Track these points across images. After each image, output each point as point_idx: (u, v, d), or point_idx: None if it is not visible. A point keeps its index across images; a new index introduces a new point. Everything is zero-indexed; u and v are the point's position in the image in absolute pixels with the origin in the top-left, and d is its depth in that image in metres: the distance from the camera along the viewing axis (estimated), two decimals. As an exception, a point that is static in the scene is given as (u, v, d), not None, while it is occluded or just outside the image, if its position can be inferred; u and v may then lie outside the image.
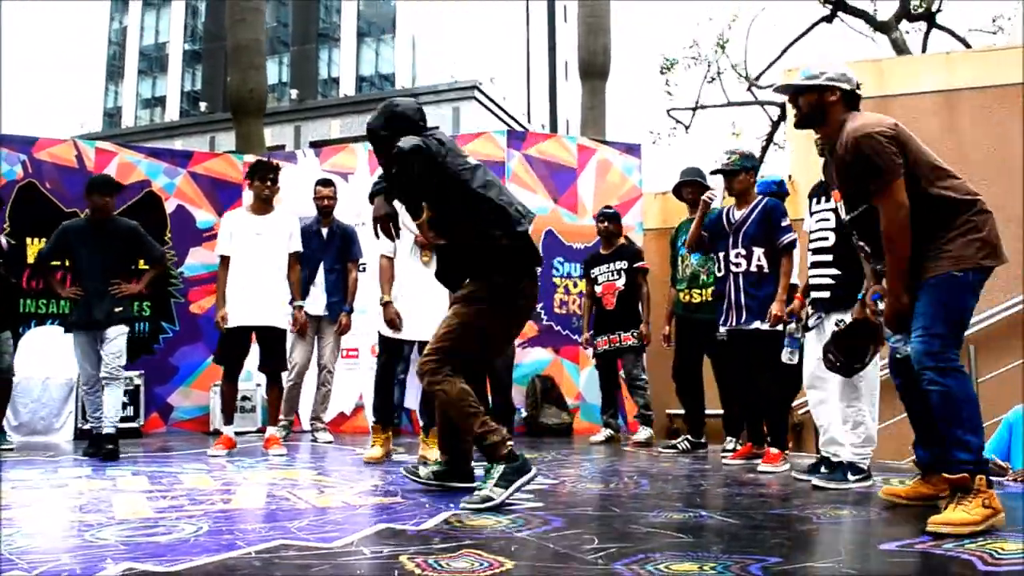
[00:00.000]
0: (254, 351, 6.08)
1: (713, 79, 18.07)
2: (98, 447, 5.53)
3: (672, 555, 2.45)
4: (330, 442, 6.65)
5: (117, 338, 5.66)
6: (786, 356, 4.79)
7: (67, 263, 6.24)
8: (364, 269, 7.17)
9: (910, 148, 3.09)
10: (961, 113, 7.18)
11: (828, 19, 15.67)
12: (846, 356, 3.66)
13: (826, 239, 4.34)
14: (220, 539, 2.77)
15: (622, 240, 7.02)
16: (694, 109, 17.93)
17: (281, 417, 6.62)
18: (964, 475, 2.87)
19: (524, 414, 7.62)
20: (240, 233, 5.86)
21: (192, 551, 2.56)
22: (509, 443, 3.49)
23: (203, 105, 38.36)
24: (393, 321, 5.23)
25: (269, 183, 5.92)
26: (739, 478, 4.53)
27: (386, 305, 5.28)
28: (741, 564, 2.32)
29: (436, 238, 3.87)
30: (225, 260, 5.90)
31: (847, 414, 4.19)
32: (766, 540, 2.71)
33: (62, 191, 7.74)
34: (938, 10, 15.51)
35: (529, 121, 38.36)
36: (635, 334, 6.62)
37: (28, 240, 7.44)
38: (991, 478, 2.91)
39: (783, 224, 5.01)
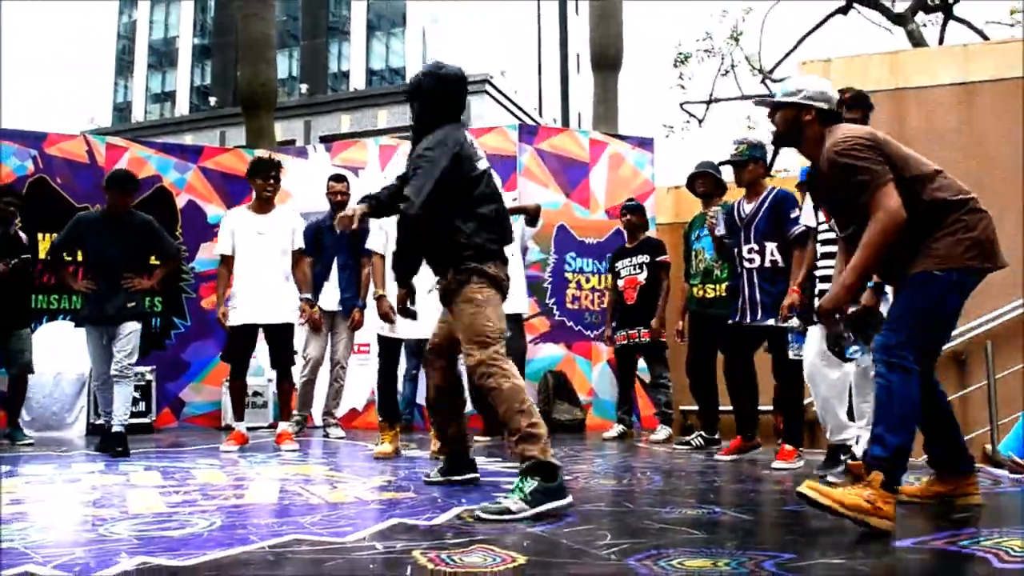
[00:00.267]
0: (264, 347, 6.09)
1: (727, 72, 18.01)
2: (110, 443, 5.52)
3: (685, 551, 2.44)
4: (342, 437, 6.65)
5: (129, 335, 5.65)
6: (793, 352, 4.76)
7: (79, 257, 6.24)
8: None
9: (893, 155, 3.02)
10: (979, 106, 7.12)
11: (843, 11, 15.56)
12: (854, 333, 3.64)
13: (833, 231, 4.30)
14: (233, 534, 2.77)
15: (647, 233, 6.96)
16: (708, 103, 17.87)
17: (295, 412, 6.63)
18: (859, 463, 2.90)
19: (536, 410, 7.61)
20: (241, 232, 5.86)
21: (205, 545, 2.57)
22: (551, 455, 3.29)
23: (213, 100, 38.46)
24: (387, 315, 5.21)
25: (272, 181, 5.91)
26: (754, 474, 4.51)
27: (380, 299, 5.28)
28: (755, 560, 2.31)
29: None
30: (225, 259, 5.91)
31: (862, 410, 4.16)
32: (780, 536, 2.70)
33: (73, 186, 7.76)
34: (955, 1, 15.38)
35: (541, 115, 38.32)
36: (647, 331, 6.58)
37: (39, 236, 7.46)
38: (897, 483, 2.86)
39: (792, 215, 4.89)
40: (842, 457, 4.22)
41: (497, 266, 3.69)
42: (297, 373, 6.61)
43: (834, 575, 2.25)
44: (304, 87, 36.21)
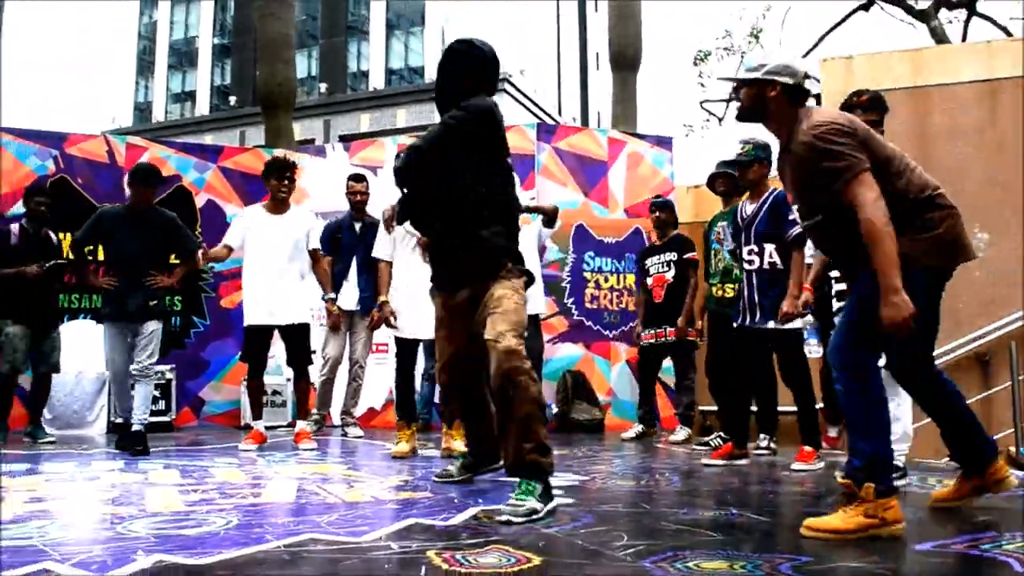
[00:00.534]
0: (282, 345, 6.11)
1: (747, 70, 17.89)
2: (129, 442, 5.56)
3: (702, 553, 2.42)
4: (360, 437, 6.67)
5: (151, 334, 5.65)
6: (812, 352, 4.71)
7: (100, 256, 6.26)
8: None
9: (870, 145, 2.91)
10: (1002, 104, 7.02)
11: (865, 7, 15.45)
12: None
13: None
14: (249, 532, 2.77)
15: (677, 230, 6.92)
16: (728, 101, 17.77)
17: (314, 411, 6.65)
18: (847, 482, 2.82)
19: (555, 410, 7.60)
20: (256, 231, 5.88)
21: (222, 544, 2.57)
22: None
23: (233, 99, 38.65)
24: (388, 320, 5.31)
25: (286, 182, 5.92)
26: (773, 476, 4.48)
27: (383, 305, 5.33)
28: (771, 563, 2.28)
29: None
30: (227, 249, 5.95)
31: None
32: (798, 539, 2.67)
33: (93, 186, 7.82)
34: (978, -2, 15.24)
35: (560, 113, 38.29)
36: (675, 330, 6.53)
37: (60, 235, 7.50)
38: (890, 486, 2.78)
39: (791, 217, 4.81)
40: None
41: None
42: (316, 372, 6.64)
43: (853, 578, 2.22)
44: (324, 86, 36.33)
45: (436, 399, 7.16)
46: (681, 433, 6.44)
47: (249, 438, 5.84)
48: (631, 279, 7.97)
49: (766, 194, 5.06)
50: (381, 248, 5.44)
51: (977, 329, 6.64)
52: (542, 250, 6.62)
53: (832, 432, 5.78)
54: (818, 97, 12.38)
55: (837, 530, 2.69)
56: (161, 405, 7.50)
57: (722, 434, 5.97)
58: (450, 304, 3.74)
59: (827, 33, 15.80)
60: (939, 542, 2.60)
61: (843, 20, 15.68)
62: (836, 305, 4.41)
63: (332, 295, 6.21)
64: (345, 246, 6.77)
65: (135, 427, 5.59)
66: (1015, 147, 6.85)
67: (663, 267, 6.67)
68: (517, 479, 3.23)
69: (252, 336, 5.86)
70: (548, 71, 39.14)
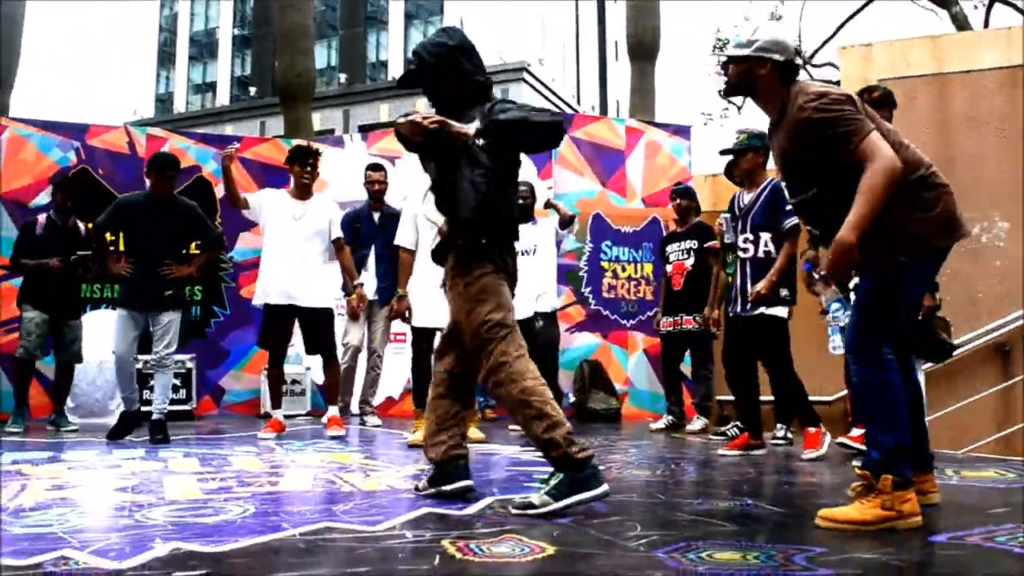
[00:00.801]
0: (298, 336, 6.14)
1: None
2: (119, 429, 5.60)
3: (715, 543, 2.42)
4: (378, 426, 6.69)
5: (168, 323, 5.65)
6: (832, 347, 4.68)
7: (120, 245, 6.29)
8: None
9: (869, 119, 2.85)
10: None
11: (886, -7, 15.32)
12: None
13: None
14: (266, 521, 2.81)
15: (699, 217, 6.86)
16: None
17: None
18: (865, 473, 2.78)
19: (572, 399, 7.60)
20: (279, 215, 5.90)
21: (238, 532, 2.60)
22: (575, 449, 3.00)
23: (252, 90, 38.83)
24: (403, 315, 5.32)
25: (309, 168, 5.94)
26: (788, 467, 4.47)
27: (400, 299, 5.33)
28: (785, 554, 2.29)
29: None
30: (246, 200, 5.95)
31: None
32: (812, 530, 2.66)
33: (114, 177, 7.87)
34: (1001, -17, 15.06)
35: (579, 103, 38.18)
36: (697, 318, 6.47)
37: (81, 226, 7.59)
38: (907, 479, 2.74)
39: (787, 207, 4.76)
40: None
41: None
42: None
43: (866, 570, 2.21)
44: (343, 77, 36.41)
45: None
46: (698, 423, 6.43)
47: (268, 427, 5.89)
48: (648, 268, 7.96)
49: (763, 183, 5.05)
50: (404, 236, 5.45)
51: (996, 319, 6.59)
52: (558, 243, 6.61)
53: (856, 432, 5.66)
54: (837, 84, 12.28)
55: (854, 521, 2.68)
56: (182, 394, 7.57)
57: (739, 424, 5.96)
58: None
59: (847, 21, 15.67)
60: (954, 533, 2.59)
61: (863, 7, 15.53)
62: (853, 297, 4.38)
63: (360, 281, 6.22)
64: (363, 236, 6.79)
65: (155, 416, 5.64)
66: (1037, 134, 6.78)
67: (683, 254, 6.63)
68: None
69: (272, 321, 5.87)
70: (567, 61, 39.02)
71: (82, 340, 6.63)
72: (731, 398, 6.57)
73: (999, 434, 6.41)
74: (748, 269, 5.00)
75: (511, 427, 6.43)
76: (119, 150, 8.04)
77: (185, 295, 6.22)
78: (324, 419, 6.07)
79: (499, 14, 33.79)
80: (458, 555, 2.30)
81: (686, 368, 7.00)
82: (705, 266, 6.50)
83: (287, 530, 2.64)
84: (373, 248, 6.83)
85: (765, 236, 4.97)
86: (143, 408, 5.98)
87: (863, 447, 4.58)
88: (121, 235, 6.36)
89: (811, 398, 5.12)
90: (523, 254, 6.41)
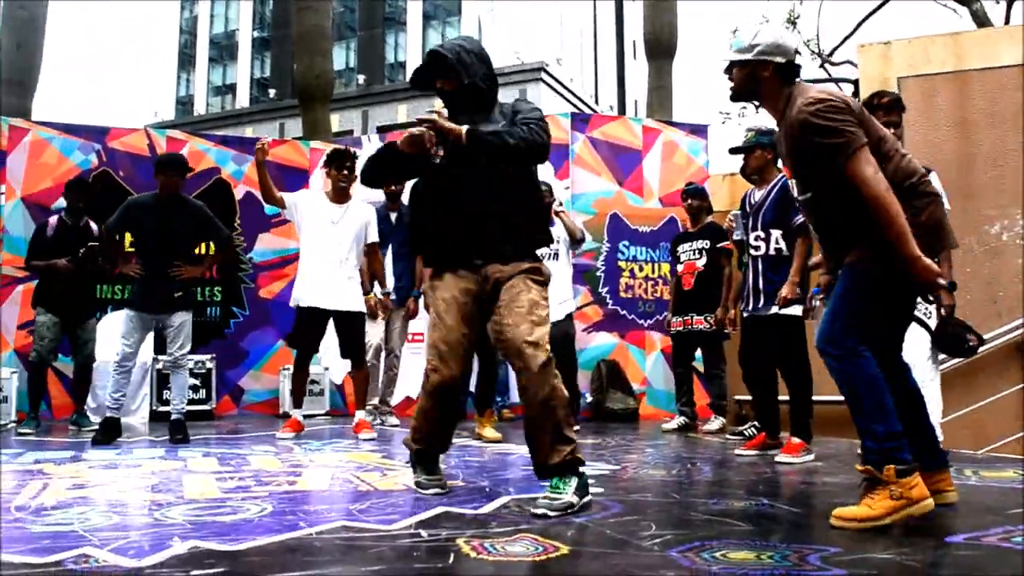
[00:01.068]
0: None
1: (784, 56, 17.69)
2: (107, 432, 5.54)
3: (730, 543, 2.43)
4: (396, 425, 6.72)
5: (180, 325, 5.69)
6: None
7: (132, 246, 6.29)
8: None
9: (865, 124, 2.86)
10: (1044, 88, 6.89)
11: (905, -9, 15.21)
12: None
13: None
14: (283, 519, 2.83)
15: (710, 218, 6.87)
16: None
17: (372, 401, 6.74)
18: (868, 468, 2.78)
19: (589, 399, 7.61)
20: (317, 218, 5.91)
21: (256, 531, 2.62)
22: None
23: (272, 92, 39.00)
24: (415, 314, 5.33)
25: (346, 171, 5.96)
26: (805, 466, 4.44)
27: (417, 299, 5.34)
28: (799, 554, 2.28)
29: None
30: (282, 199, 5.98)
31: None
32: (828, 530, 2.66)
33: (134, 179, 7.94)
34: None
35: (597, 102, 38.12)
36: (708, 318, 6.46)
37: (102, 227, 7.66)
38: (910, 463, 2.74)
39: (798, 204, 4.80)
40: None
41: None
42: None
43: (881, 570, 2.21)
44: (361, 78, 36.51)
45: (471, 388, 7.21)
46: (715, 423, 6.41)
47: (287, 427, 5.92)
48: (666, 268, 7.94)
49: (773, 181, 5.04)
50: None
51: (1017, 318, 6.53)
52: (580, 241, 6.59)
53: None
54: (856, 83, 12.21)
55: (868, 517, 2.68)
56: (202, 394, 7.65)
57: (756, 424, 5.93)
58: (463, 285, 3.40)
59: (866, 18, 15.56)
60: (971, 534, 2.57)
61: (882, 5, 15.43)
62: None
63: (388, 289, 6.26)
64: (381, 236, 6.81)
65: (174, 416, 5.70)
66: (1058, 132, 6.72)
67: (694, 254, 6.61)
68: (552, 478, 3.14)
69: (304, 319, 5.90)
70: (585, 60, 38.96)
71: (96, 341, 6.68)
72: (749, 398, 6.57)
73: (1019, 434, 6.36)
74: (760, 267, 4.99)
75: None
76: (140, 152, 8.12)
77: (195, 296, 6.22)
78: (353, 421, 6.06)
79: (517, 14, 33.80)
80: (473, 554, 2.32)
81: (700, 366, 6.99)
82: (716, 266, 6.47)
83: (304, 529, 2.66)
84: (390, 247, 6.86)
85: (776, 233, 4.95)
86: (162, 408, 6.03)
87: None
88: (130, 236, 6.33)
89: (826, 398, 5.08)
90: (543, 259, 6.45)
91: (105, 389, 7.25)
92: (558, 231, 6.48)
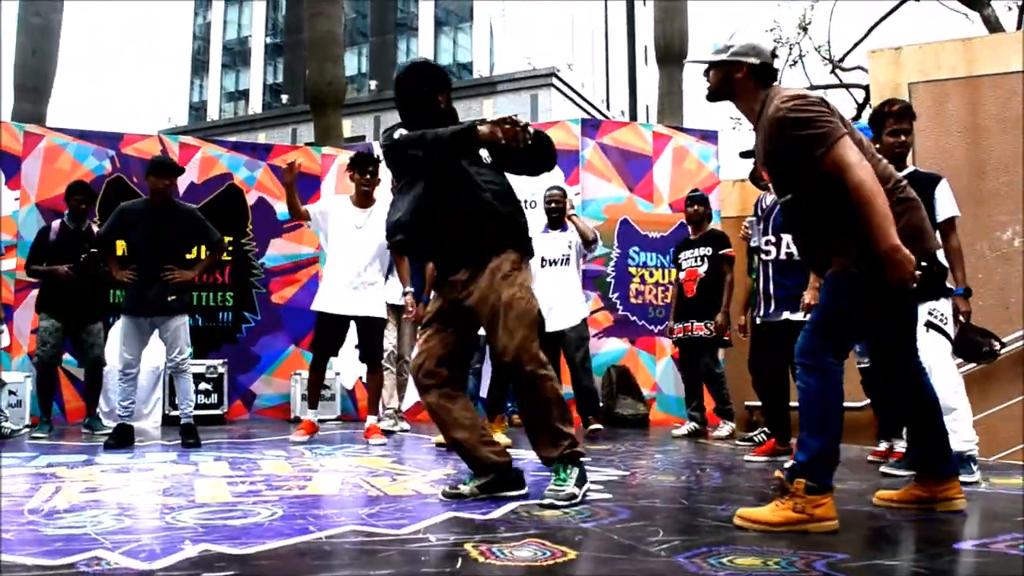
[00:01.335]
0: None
1: (795, 62, 17.68)
2: (120, 438, 5.57)
3: (737, 549, 2.43)
4: (407, 431, 6.74)
5: (177, 329, 5.69)
6: (857, 360, 4.65)
7: (125, 251, 6.26)
8: None
9: (844, 123, 2.86)
10: (1055, 94, 6.86)
11: (916, -4, 15.17)
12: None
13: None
14: (293, 523, 2.85)
15: (712, 225, 6.88)
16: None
17: (389, 406, 6.76)
18: (780, 475, 2.83)
19: (600, 404, 7.60)
20: (342, 224, 5.95)
21: (266, 535, 2.65)
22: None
23: (285, 97, 39.15)
24: (421, 319, 5.37)
25: (368, 176, 5.98)
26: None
27: (426, 304, 5.38)
28: (806, 560, 2.29)
29: None
30: (307, 211, 6.01)
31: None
32: (836, 536, 2.66)
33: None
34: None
35: (608, 108, 38.11)
36: (708, 324, 6.48)
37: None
38: (824, 484, 2.76)
39: None
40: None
41: None
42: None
43: (888, 576, 2.22)
44: (373, 83, 36.62)
45: (482, 393, 7.23)
46: (724, 429, 6.41)
47: (301, 429, 5.93)
48: (676, 274, 7.94)
49: None
50: None
51: (1028, 325, 6.50)
52: (592, 244, 6.58)
53: (882, 445, 5.46)
54: (867, 88, 12.20)
55: (765, 522, 2.74)
56: (213, 398, 7.69)
57: (766, 430, 5.93)
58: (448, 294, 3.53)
59: (877, 24, 15.52)
60: (980, 541, 2.57)
61: (893, 10, 15.39)
62: None
63: (411, 289, 6.27)
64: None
65: (184, 421, 5.74)
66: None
67: (696, 261, 6.62)
68: (555, 467, 3.33)
69: (324, 324, 5.93)
70: (596, 66, 38.97)
71: (103, 345, 6.70)
72: (759, 403, 6.56)
73: (1032, 441, 6.32)
74: (771, 271, 5.00)
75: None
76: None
77: (190, 299, 6.22)
78: (364, 426, 6.08)
79: (528, 20, 33.84)
80: (480, 559, 2.33)
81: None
82: (718, 273, 6.49)
83: (314, 533, 2.68)
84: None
85: (787, 238, 4.96)
86: (174, 413, 6.05)
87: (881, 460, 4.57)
88: (123, 244, 6.32)
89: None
90: (553, 264, 6.46)
91: (116, 393, 7.34)
92: (571, 236, 6.51)
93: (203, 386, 7.68)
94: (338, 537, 2.63)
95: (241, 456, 5.07)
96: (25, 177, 7.72)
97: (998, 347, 4.13)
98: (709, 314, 6.45)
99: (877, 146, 4.41)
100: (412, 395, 7.56)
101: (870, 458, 4.81)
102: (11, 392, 6.82)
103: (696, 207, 6.76)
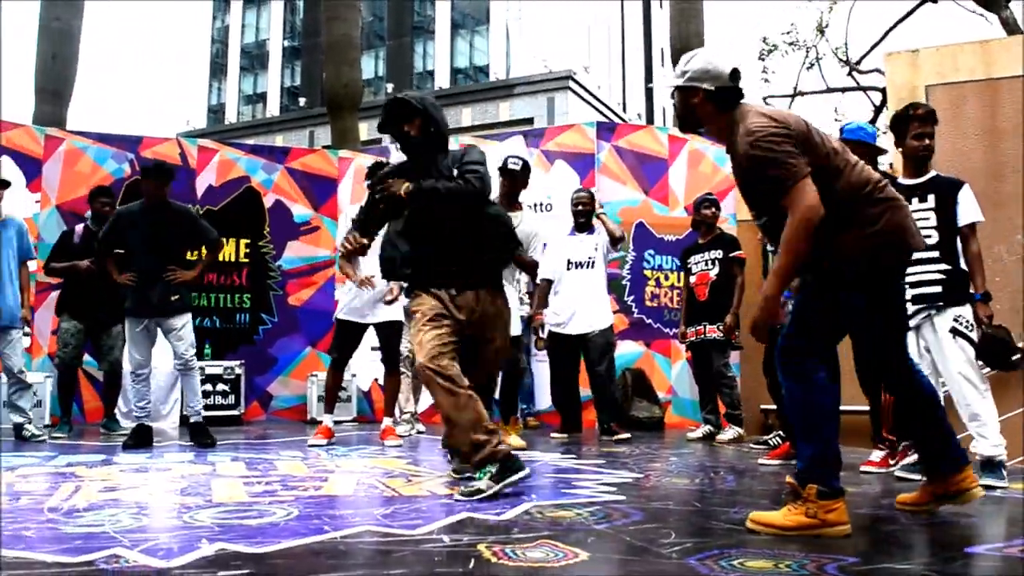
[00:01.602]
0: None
1: (812, 65, 17.62)
2: (138, 438, 5.64)
3: (749, 552, 2.44)
4: (422, 432, 6.77)
5: (183, 328, 5.76)
6: None
7: (125, 255, 6.32)
8: None
9: (811, 147, 2.82)
10: (1074, 96, 6.80)
11: (934, -1, 15.07)
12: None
13: (928, 236, 4.21)
14: (309, 523, 2.88)
15: (719, 229, 6.89)
16: (792, 96, 17.50)
17: (406, 410, 6.79)
18: (792, 482, 2.82)
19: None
20: None
21: (281, 534, 2.67)
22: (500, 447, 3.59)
23: (302, 100, 39.36)
24: None
25: None
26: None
27: None
28: (818, 563, 2.29)
29: None
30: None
31: (971, 412, 4.09)
32: (848, 540, 2.66)
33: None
34: (1053, -16, 14.74)
35: (625, 110, 38.08)
36: (720, 327, 6.49)
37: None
38: (834, 488, 2.75)
39: None
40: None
41: None
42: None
43: (899, 579, 2.22)
44: (390, 86, 36.74)
45: (496, 395, 7.25)
46: (728, 433, 6.38)
47: (318, 433, 5.93)
48: (685, 278, 7.95)
49: None
50: None
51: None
52: (617, 240, 6.57)
53: (875, 456, 5.37)
54: (883, 91, 12.13)
55: (777, 526, 2.74)
56: (231, 399, 7.75)
57: (781, 433, 5.91)
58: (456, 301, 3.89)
59: (894, 26, 15.42)
60: (993, 545, 2.57)
61: (910, 13, 15.29)
62: (910, 309, 4.28)
63: None
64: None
65: (193, 419, 5.80)
66: (1089, 140, 6.64)
67: (707, 265, 6.63)
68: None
69: (343, 331, 5.99)
70: (613, 68, 38.96)
71: (122, 347, 6.75)
72: (774, 407, 6.54)
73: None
74: None
75: (552, 435, 6.49)
76: (171, 161, 8.22)
77: (192, 299, 6.27)
78: (381, 427, 6.12)
79: (545, 22, 33.88)
80: (493, 559, 2.35)
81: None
82: (729, 276, 6.51)
83: (329, 533, 2.70)
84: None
85: None
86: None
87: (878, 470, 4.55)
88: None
89: (848, 408, 5.04)
90: (580, 266, 6.46)
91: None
92: (597, 239, 6.52)
93: (220, 387, 7.74)
94: (353, 537, 2.65)
95: (258, 457, 5.12)
96: (46, 180, 7.80)
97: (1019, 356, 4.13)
98: (721, 317, 6.45)
99: (900, 149, 4.40)
100: (427, 397, 7.60)
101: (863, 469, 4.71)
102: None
103: (706, 211, 6.76)
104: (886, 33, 15.56)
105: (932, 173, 4.34)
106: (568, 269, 6.48)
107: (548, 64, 31.75)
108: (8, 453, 5.27)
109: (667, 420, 7.64)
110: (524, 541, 2.58)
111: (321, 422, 6.10)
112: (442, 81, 36.70)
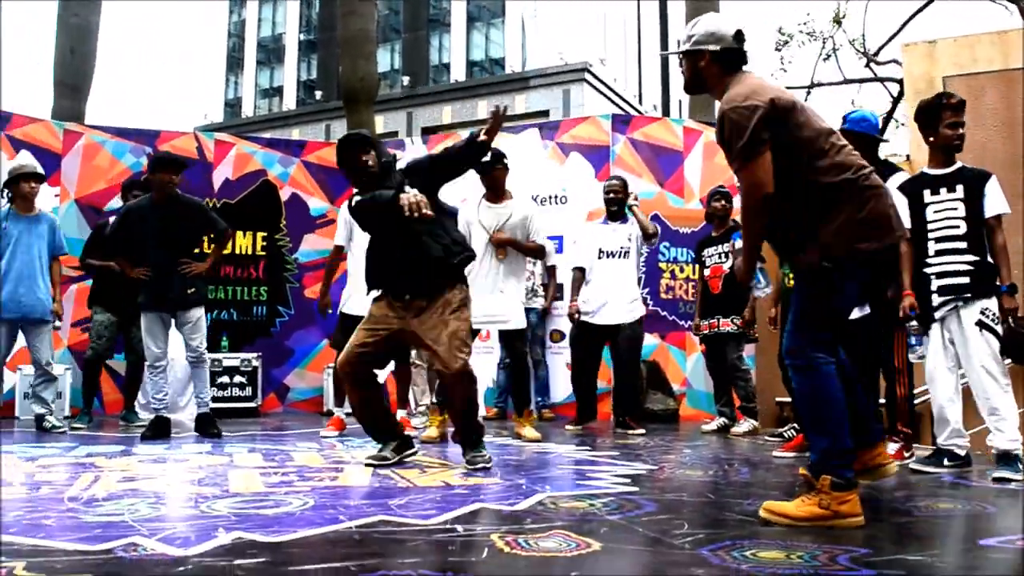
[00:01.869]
0: None
1: (828, 56, 17.49)
2: (156, 430, 5.69)
3: (761, 543, 2.45)
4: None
5: (196, 321, 5.79)
6: (915, 356, 4.60)
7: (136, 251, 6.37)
8: None
9: (795, 125, 2.82)
10: (1093, 86, 6.75)
11: (952, -11, 14.95)
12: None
13: (956, 227, 4.20)
14: (324, 513, 2.90)
15: (733, 222, 6.86)
16: (809, 87, 17.38)
17: (422, 402, 6.83)
18: (806, 473, 2.84)
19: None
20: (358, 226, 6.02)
21: (297, 524, 2.70)
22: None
23: (318, 94, 39.44)
24: None
25: None
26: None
27: None
28: (830, 554, 2.30)
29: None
30: (336, 249, 6.11)
31: (989, 406, 4.08)
32: (860, 531, 2.66)
33: (183, 181, 8.11)
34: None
35: (640, 103, 37.98)
36: (735, 320, 6.47)
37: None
38: (847, 480, 2.76)
39: None
40: (946, 462, 4.16)
41: None
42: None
43: (911, 571, 2.21)
44: (406, 79, 36.78)
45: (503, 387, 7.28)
46: (743, 426, 6.38)
47: (331, 425, 6.02)
48: (700, 270, 7.93)
49: None
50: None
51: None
52: (650, 236, 6.54)
53: (891, 448, 5.30)
54: (900, 82, 12.04)
55: (791, 516, 2.75)
56: (248, 391, 7.81)
57: (795, 425, 5.90)
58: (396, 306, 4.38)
59: (912, 17, 15.30)
60: (1004, 537, 2.57)
61: (928, 3, 15.16)
62: (936, 300, 4.25)
63: None
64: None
65: (201, 410, 5.85)
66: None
67: (722, 257, 6.61)
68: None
69: (345, 324, 6.00)
70: (629, 60, 38.84)
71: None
72: (789, 399, 6.52)
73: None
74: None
75: (567, 426, 6.50)
76: (189, 155, 8.28)
77: (207, 291, 6.30)
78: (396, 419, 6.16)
79: (560, 15, 33.80)
80: (506, 549, 2.37)
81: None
82: None
83: (344, 522, 2.73)
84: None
85: None
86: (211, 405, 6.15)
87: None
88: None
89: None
90: (611, 256, 6.43)
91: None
92: (631, 228, 6.50)
93: (237, 379, 7.81)
94: (367, 527, 2.68)
95: (274, 448, 5.16)
96: (64, 174, 7.88)
97: None
98: (736, 309, 6.43)
99: (931, 139, 4.36)
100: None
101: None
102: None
103: (719, 203, 6.73)
104: (904, 24, 15.44)
105: (959, 164, 4.33)
106: (599, 258, 6.45)
107: (564, 57, 31.69)
108: (29, 444, 5.34)
109: (682, 412, 7.64)
110: (537, 531, 2.60)
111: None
112: (458, 74, 36.70)
